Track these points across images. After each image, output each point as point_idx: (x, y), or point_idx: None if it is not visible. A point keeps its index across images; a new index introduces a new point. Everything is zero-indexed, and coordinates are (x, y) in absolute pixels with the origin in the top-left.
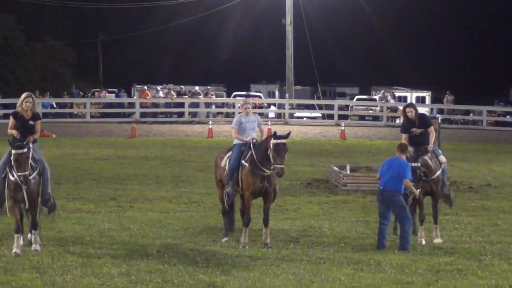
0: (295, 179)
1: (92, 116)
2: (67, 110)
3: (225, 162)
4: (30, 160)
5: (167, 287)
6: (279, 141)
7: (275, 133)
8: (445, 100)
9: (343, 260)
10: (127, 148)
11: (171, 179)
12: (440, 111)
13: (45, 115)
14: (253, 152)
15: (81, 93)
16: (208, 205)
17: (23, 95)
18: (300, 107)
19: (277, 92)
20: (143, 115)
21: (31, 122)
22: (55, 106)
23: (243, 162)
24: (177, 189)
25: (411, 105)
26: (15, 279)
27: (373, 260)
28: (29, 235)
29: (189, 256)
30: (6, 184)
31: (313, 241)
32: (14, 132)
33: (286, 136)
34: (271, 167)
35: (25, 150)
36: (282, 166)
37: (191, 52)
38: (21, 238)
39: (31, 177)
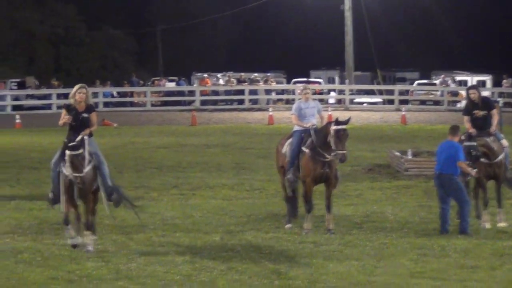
0: (357, 164)
1: (152, 105)
2: (127, 99)
3: (285, 149)
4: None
5: (231, 274)
6: (339, 127)
7: (336, 119)
8: (503, 84)
9: (407, 245)
10: (188, 136)
11: (232, 166)
12: (501, 95)
13: (106, 104)
14: (314, 138)
15: (141, 81)
16: (270, 192)
17: (76, 87)
18: (360, 92)
19: (337, 78)
20: (203, 103)
21: (84, 115)
22: (115, 95)
23: (303, 148)
24: (239, 176)
25: (474, 87)
26: (80, 267)
27: (437, 245)
28: (75, 240)
29: (253, 243)
30: (60, 180)
31: (376, 227)
32: (67, 118)
33: (347, 121)
34: (332, 153)
35: (80, 151)
36: (344, 151)
37: (251, 39)
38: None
39: (84, 173)
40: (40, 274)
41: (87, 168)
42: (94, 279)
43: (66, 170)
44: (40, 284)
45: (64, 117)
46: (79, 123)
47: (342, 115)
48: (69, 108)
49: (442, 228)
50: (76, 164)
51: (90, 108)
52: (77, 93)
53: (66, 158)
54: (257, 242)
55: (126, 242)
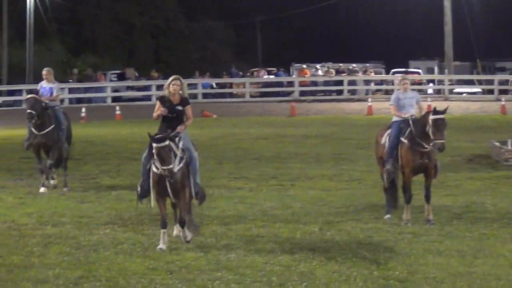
0: (456, 155)
1: (251, 96)
2: (226, 90)
3: (385, 139)
4: (177, 150)
5: (330, 264)
6: (437, 116)
7: (434, 108)
8: None
9: (507, 236)
10: (286, 127)
11: (331, 157)
12: None
13: (205, 95)
14: (412, 129)
15: (241, 73)
16: (369, 183)
17: (170, 78)
18: (459, 82)
19: (436, 68)
20: (302, 93)
21: (179, 107)
22: (214, 86)
23: (402, 139)
24: (338, 167)
25: None
26: (180, 258)
27: None
28: (174, 232)
29: (351, 233)
30: (151, 176)
31: (476, 217)
32: (162, 110)
33: (445, 111)
34: (431, 143)
35: (167, 143)
36: (443, 141)
37: (349, 30)
38: (167, 234)
39: (176, 169)
40: (140, 264)
41: (180, 164)
42: (194, 270)
43: (154, 165)
44: (140, 274)
45: (159, 109)
46: (173, 116)
47: (441, 105)
48: (163, 100)
49: None
50: (164, 157)
51: (185, 101)
52: (171, 85)
53: (154, 151)
54: (356, 233)
55: (226, 233)
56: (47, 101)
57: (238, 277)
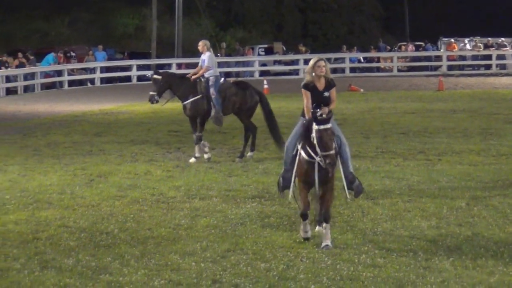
0: None
1: (399, 70)
2: (374, 65)
3: None
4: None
5: (477, 240)
6: None
7: None
8: None
9: None
10: (434, 101)
11: (479, 132)
12: None
13: (352, 69)
14: None
15: (388, 47)
16: None
17: (313, 60)
18: None
19: None
20: (450, 68)
21: (326, 94)
22: (362, 60)
23: None
24: (486, 142)
25: None
26: None
27: None
28: (317, 228)
29: (499, 208)
30: (296, 163)
31: None
32: (310, 114)
33: None
34: None
35: (330, 125)
36: None
37: (499, 2)
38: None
39: (334, 151)
40: (287, 238)
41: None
42: (340, 244)
43: (305, 151)
44: (287, 248)
45: (307, 115)
46: (318, 105)
47: None
48: (309, 88)
49: None
50: (326, 141)
51: (331, 84)
52: (316, 67)
53: (314, 134)
54: (503, 208)
55: (372, 207)
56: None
57: (384, 252)
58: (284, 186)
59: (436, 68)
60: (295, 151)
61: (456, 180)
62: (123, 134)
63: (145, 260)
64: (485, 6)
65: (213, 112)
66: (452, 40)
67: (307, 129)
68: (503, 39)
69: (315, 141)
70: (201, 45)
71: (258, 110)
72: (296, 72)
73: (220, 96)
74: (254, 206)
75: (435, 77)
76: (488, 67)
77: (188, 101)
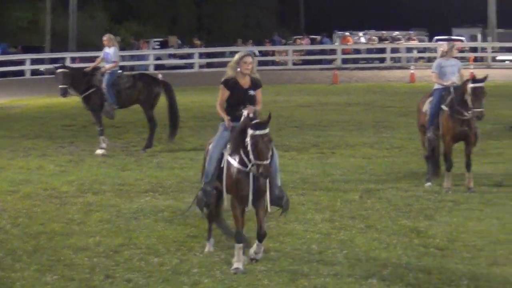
0: (498, 122)
1: (294, 63)
2: (269, 58)
3: (426, 107)
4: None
5: (370, 232)
6: (477, 84)
7: (473, 76)
8: None
9: None
10: (328, 94)
11: (372, 125)
12: None
13: None
14: (453, 97)
15: (283, 40)
16: (410, 150)
17: (239, 54)
18: (502, 50)
19: (479, 36)
20: (344, 61)
21: (251, 92)
22: (257, 54)
23: (443, 107)
24: (379, 135)
25: None
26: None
27: None
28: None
29: (392, 201)
30: (225, 173)
31: None
32: (227, 119)
33: (484, 79)
34: (469, 111)
35: (268, 130)
36: (482, 109)
37: None
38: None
39: (269, 160)
40: (181, 232)
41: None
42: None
43: (239, 161)
44: (180, 242)
45: (226, 121)
46: (242, 104)
47: (483, 72)
48: (229, 84)
49: None
50: (263, 149)
51: (257, 83)
52: (242, 62)
53: (249, 140)
54: (396, 201)
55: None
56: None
57: (278, 245)
58: (207, 201)
59: (330, 61)
60: (223, 162)
61: (349, 173)
62: (15, 129)
63: (38, 256)
64: (379, 1)
65: (105, 106)
66: (347, 33)
67: (241, 133)
68: (397, 32)
69: (249, 147)
70: (106, 39)
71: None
72: (191, 66)
73: (113, 89)
74: (148, 200)
75: (329, 71)
76: (382, 60)
77: (85, 94)
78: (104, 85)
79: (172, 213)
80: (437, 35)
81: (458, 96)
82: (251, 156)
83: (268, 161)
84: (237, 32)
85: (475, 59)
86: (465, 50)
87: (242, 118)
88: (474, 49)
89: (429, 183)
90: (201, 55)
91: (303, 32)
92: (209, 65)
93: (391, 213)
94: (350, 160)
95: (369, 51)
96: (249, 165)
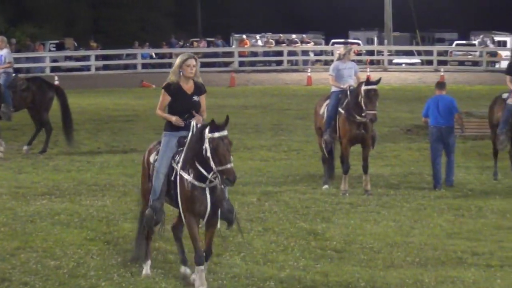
0: (395, 125)
1: None
2: (166, 61)
3: (323, 110)
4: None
5: (268, 235)
6: (369, 87)
7: (367, 79)
8: None
9: (444, 206)
10: (226, 97)
11: (270, 128)
12: None
13: (144, 65)
14: (349, 99)
15: (180, 43)
16: (308, 153)
17: (183, 57)
18: (398, 53)
19: (375, 39)
20: (242, 64)
21: (195, 98)
22: (154, 56)
23: (340, 109)
24: (277, 137)
25: None
26: (117, 229)
27: (474, 206)
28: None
29: (290, 204)
30: (179, 190)
31: (413, 188)
32: (174, 118)
33: (377, 82)
34: (363, 113)
35: (226, 132)
36: (374, 112)
37: (290, 0)
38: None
39: (215, 182)
40: (77, 235)
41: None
42: (131, 240)
43: (194, 174)
44: (77, 245)
45: (176, 119)
46: (186, 112)
47: (380, 76)
48: (170, 89)
49: (437, 183)
50: (224, 152)
51: (201, 88)
52: (186, 66)
53: (208, 145)
54: (294, 203)
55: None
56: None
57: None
58: (157, 219)
59: (227, 64)
60: (173, 174)
61: (247, 176)
62: None
63: None
64: (276, 4)
65: (2, 107)
66: (244, 36)
67: (197, 142)
68: (294, 35)
69: (208, 153)
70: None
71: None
72: (87, 68)
73: (10, 91)
74: (44, 203)
75: (227, 73)
76: (280, 63)
77: None
78: (1, 87)
79: (69, 216)
80: (334, 38)
81: (353, 99)
82: (212, 164)
83: (231, 165)
84: (134, 35)
85: (372, 62)
86: (362, 53)
87: (194, 128)
88: (370, 52)
89: (326, 186)
90: (98, 57)
91: (201, 35)
92: (105, 67)
93: (289, 216)
94: (248, 163)
95: (266, 53)
96: (209, 176)
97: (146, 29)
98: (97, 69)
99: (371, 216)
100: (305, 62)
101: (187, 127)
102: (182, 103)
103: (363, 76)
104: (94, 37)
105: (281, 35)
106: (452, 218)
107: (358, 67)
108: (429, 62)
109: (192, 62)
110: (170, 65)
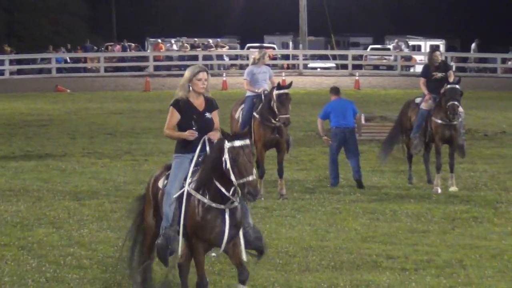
0: (310, 130)
1: (106, 70)
2: (81, 65)
3: (238, 114)
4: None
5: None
6: (281, 91)
7: (278, 83)
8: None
9: (359, 210)
10: (141, 101)
11: None
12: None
13: (59, 70)
14: (263, 104)
15: (95, 47)
16: None
17: (193, 69)
18: (314, 57)
19: (291, 43)
20: (157, 68)
21: (207, 115)
22: (69, 60)
23: (254, 114)
24: None
25: (438, 49)
26: (32, 234)
27: (388, 210)
28: None
29: None
30: (189, 213)
31: (329, 192)
32: (186, 133)
33: (288, 86)
34: (276, 118)
35: (248, 141)
36: (287, 115)
37: (204, 4)
38: None
39: (236, 202)
40: None
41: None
42: (46, 245)
43: (210, 195)
44: None
45: (188, 132)
46: (201, 130)
47: (295, 80)
48: (179, 106)
49: (335, 181)
50: (243, 163)
51: (213, 104)
52: (196, 80)
53: (227, 155)
54: None
55: (78, 209)
56: None
57: (90, 253)
58: (172, 249)
59: (142, 68)
60: (180, 191)
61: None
62: None
63: None
64: (191, 8)
65: None
66: (159, 40)
67: (216, 154)
68: (210, 40)
69: (228, 165)
70: None
71: None
72: (1, 73)
73: None
74: None
75: (142, 78)
76: None
77: None
78: None
79: None
80: (249, 43)
81: (267, 103)
82: (232, 176)
83: (254, 177)
84: (48, 39)
85: (288, 67)
86: (277, 57)
87: (208, 145)
88: (286, 57)
89: None
90: (12, 62)
91: (115, 39)
92: (20, 71)
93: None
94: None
95: (182, 58)
96: (229, 193)
97: (61, 33)
98: (11, 73)
99: (287, 220)
100: (220, 67)
101: (195, 149)
102: (193, 121)
103: (277, 80)
104: (8, 41)
105: (196, 39)
106: (367, 222)
107: (272, 72)
108: (344, 67)
109: (204, 75)
110: (85, 70)
